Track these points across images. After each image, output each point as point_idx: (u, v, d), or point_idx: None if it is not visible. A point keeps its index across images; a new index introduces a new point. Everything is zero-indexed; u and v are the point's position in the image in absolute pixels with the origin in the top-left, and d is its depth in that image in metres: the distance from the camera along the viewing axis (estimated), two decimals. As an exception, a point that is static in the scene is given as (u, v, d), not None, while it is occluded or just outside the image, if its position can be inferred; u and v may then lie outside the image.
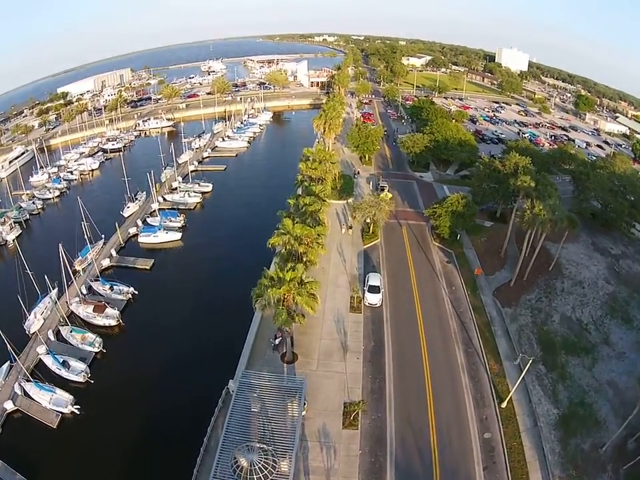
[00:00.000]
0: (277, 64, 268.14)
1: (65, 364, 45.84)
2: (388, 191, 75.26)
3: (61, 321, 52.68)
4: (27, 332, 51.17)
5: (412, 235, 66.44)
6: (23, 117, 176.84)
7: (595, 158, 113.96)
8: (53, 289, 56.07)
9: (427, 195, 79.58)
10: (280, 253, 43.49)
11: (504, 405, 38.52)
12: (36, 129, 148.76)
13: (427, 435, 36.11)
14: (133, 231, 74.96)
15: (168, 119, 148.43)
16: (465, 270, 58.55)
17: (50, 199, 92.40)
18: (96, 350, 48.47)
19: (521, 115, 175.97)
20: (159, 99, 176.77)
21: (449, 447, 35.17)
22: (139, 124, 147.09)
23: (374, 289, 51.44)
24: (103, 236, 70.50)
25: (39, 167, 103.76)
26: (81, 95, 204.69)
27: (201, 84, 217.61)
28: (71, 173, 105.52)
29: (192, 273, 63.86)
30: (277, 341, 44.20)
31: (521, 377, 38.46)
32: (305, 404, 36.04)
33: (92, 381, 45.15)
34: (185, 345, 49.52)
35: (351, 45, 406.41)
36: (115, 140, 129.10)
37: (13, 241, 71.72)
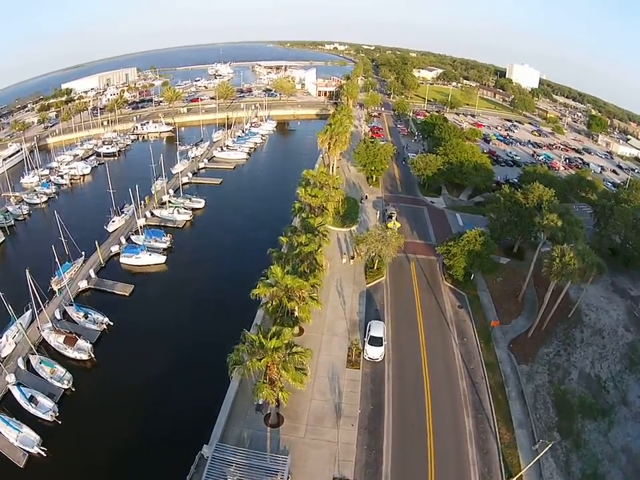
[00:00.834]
0: (285, 70, 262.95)
1: (32, 399, 42.32)
2: (396, 219, 68.43)
3: (32, 348, 48.26)
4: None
5: (421, 273, 59.45)
6: (26, 111, 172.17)
7: (611, 185, 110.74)
8: (27, 311, 52.22)
9: (439, 224, 72.92)
10: (265, 306, 36.01)
11: (513, 481, 33.15)
12: (35, 125, 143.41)
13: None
14: (115, 249, 68.62)
15: (167, 124, 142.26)
16: (478, 317, 52.19)
17: (37, 204, 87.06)
18: (65, 387, 44.29)
19: (534, 135, 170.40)
20: (161, 102, 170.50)
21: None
22: (137, 127, 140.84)
23: (376, 341, 44.93)
24: (83, 253, 64.88)
25: (31, 168, 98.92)
26: (84, 92, 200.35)
27: (206, 87, 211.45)
28: (62, 177, 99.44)
29: (174, 304, 57.20)
30: (260, 400, 37.42)
31: (536, 458, 32.93)
32: (287, 480, 30.26)
33: (59, 422, 40.92)
34: (158, 392, 44.17)
35: (362, 55, 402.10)
36: (110, 143, 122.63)
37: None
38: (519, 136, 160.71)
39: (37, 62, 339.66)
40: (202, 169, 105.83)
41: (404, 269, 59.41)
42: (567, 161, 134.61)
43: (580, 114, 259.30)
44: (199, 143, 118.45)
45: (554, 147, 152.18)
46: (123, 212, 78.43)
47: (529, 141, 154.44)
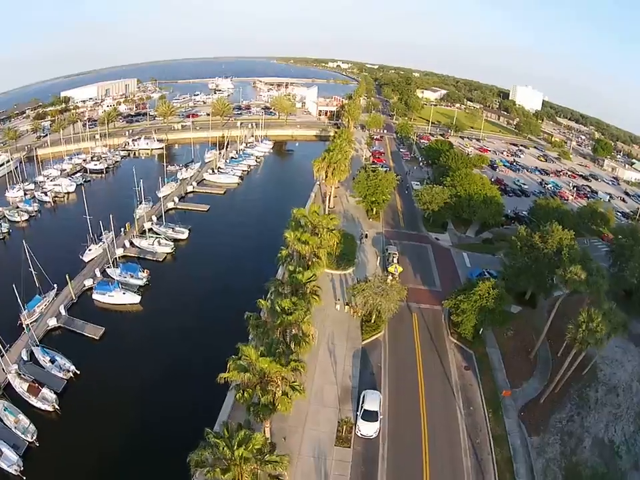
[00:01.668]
0: (287, 87, 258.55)
1: None
2: (398, 260, 61.70)
3: (-2, 391, 45.12)
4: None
5: (424, 326, 52.44)
6: (24, 117, 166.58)
7: (621, 215, 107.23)
8: None
9: (444, 266, 66.10)
10: (236, 394, 28.66)
11: None
12: (27, 134, 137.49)
13: None
14: (88, 283, 62.37)
15: (159, 140, 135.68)
16: (486, 379, 45.81)
17: (18, 222, 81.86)
18: (29, 439, 40.94)
19: (541, 160, 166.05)
20: (155, 116, 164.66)
21: None
22: (128, 143, 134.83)
23: (370, 416, 38.45)
24: (55, 285, 59.51)
25: (17, 180, 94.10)
26: (82, 101, 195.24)
27: (204, 102, 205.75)
28: (45, 194, 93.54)
29: (145, 355, 50.76)
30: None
31: None
32: None
33: (24, 478, 37.65)
34: (126, 454, 39.61)
35: (365, 73, 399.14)
36: (99, 159, 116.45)
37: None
38: (525, 162, 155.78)
39: (40, 65, 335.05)
40: (190, 192, 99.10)
41: (405, 321, 52.21)
42: (575, 189, 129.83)
43: (583, 137, 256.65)
44: (189, 163, 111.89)
45: (561, 173, 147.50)
46: (101, 240, 71.36)
47: (536, 167, 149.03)
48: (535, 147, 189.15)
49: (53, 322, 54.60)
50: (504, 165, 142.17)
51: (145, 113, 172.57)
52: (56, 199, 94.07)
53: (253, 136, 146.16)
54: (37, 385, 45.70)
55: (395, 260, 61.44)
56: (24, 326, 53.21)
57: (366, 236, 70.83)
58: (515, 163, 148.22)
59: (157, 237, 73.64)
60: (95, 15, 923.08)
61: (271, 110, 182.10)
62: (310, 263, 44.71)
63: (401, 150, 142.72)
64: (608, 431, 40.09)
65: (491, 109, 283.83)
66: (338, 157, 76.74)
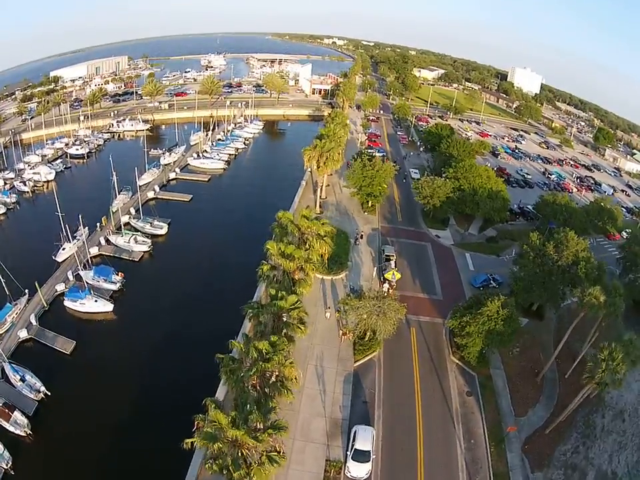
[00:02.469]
0: (280, 64, 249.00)
1: None
2: (395, 265, 56.14)
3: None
4: None
5: (423, 343, 47.21)
6: (13, 99, 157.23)
7: (625, 211, 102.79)
8: None
9: (446, 270, 60.67)
10: (205, 463, 23.00)
11: None
12: (14, 118, 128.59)
13: None
14: (60, 288, 56.72)
15: (145, 121, 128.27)
16: (490, 407, 41.48)
17: None
18: (5, 466, 37.20)
19: (542, 147, 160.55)
20: (142, 96, 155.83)
21: None
22: (112, 124, 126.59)
23: (361, 456, 33.87)
24: (26, 291, 53.80)
25: None
26: (72, 81, 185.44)
27: (195, 80, 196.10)
28: (24, 183, 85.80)
29: (120, 368, 45.91)
30: None
31: None
32: None
33: None
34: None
35: (361, 51, 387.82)
36: (81, 143, 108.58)
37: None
38: (527, 148, 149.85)
39: (32, 44, 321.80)
40: (172, 180, 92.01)
41: (402, 338, 46.60)
42: (579, 180, 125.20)
43: (583, 123, 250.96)
44: (173, 147, 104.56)
45: (564, 162, 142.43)
46: (76, 237, 64.55)
47: (538, 155, 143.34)
48: (535, 133, 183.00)
49: (23, 334, 49.48)
50: (506, 152, 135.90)
51: (132, 92, 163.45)
52: (35, 188, 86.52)
53: (242, 116, 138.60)
54: (6, 409, 41.56)
55: (393, 264, 55.82)
56: None
57: (361, 237, 64.48)
58: (516, 150, 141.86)
59: (133, 234, 67.27)
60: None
61: (262, 88, 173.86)
62: (295, 278, 38.66)
63: (399, 133, 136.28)
64: (612, 461, 37.34)
65: (489, 90, 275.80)
66: (331, 145, 70.34)
